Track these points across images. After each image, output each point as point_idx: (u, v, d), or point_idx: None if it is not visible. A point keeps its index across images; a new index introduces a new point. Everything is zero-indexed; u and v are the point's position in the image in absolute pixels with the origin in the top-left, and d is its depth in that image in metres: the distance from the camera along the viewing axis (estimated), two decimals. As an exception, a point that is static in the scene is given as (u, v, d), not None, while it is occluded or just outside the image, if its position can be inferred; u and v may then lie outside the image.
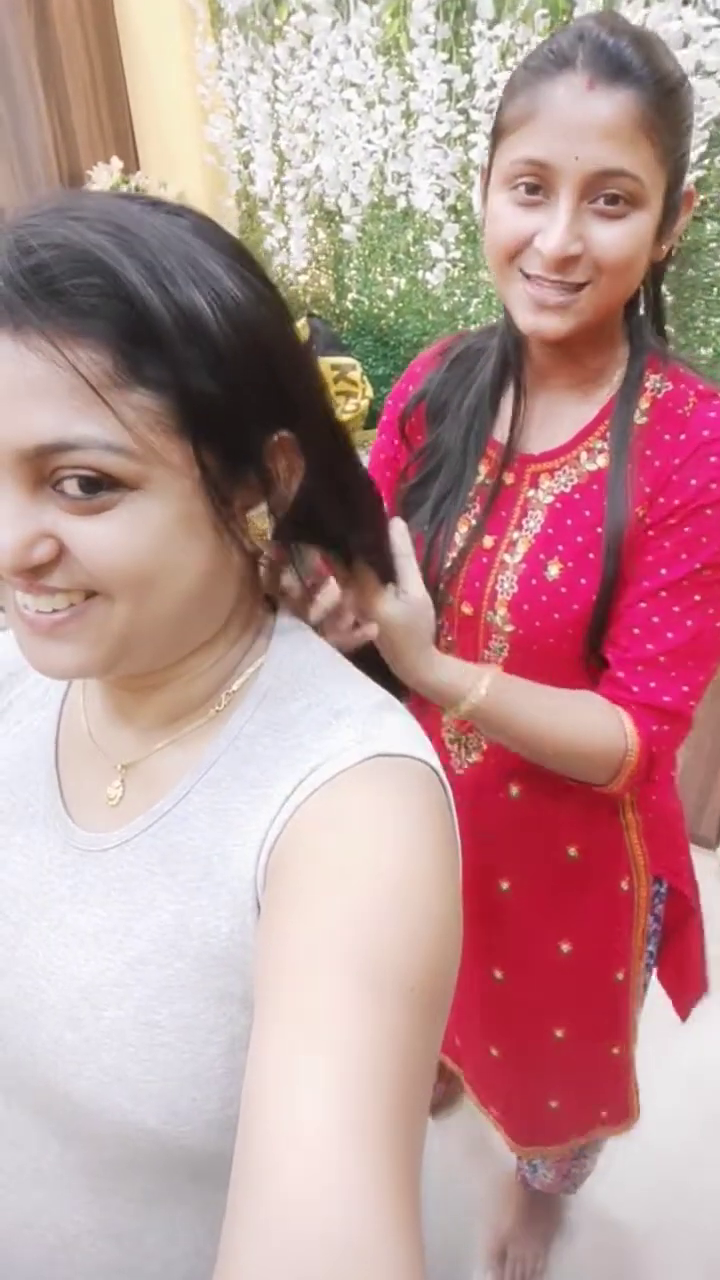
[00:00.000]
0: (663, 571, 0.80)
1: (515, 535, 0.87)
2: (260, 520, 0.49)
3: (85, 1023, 0.50)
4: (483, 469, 0.91)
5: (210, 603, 0.50)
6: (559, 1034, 1.12)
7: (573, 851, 0.99)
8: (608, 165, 0.70)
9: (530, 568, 0.85)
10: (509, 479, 0.89)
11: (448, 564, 0.90)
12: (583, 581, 0.83)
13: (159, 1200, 0.53)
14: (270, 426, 0.47)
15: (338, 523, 0.57)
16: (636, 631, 0.81)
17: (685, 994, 1.13)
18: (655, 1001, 1.15)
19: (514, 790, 0.97)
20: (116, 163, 2.27)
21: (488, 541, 0.89)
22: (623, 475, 0.81)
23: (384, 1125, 0.36)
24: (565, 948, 1.05)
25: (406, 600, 0.72)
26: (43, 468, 0.42)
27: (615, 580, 0.81)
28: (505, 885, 1.03)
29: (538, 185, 0.73)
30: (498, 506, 0.89)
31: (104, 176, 2.25)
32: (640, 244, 0.74)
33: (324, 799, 0.47)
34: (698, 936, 1.10)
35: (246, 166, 2.27)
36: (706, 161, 1.50)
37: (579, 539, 0.84)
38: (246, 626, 0.55)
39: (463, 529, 0.90)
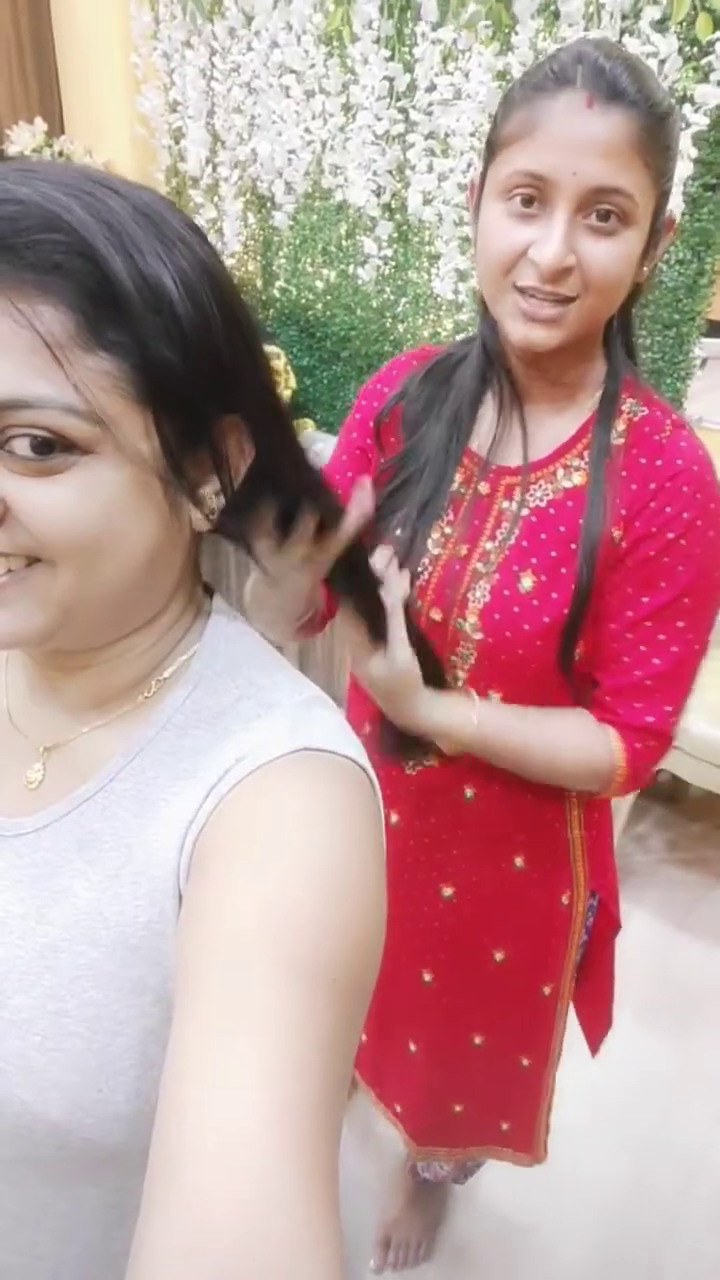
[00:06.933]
0: (645, 600, 0.84)
1: (488, 545, 0.89)
2: (210, 499, 0.49)
3: None
4: (458, 478, 0.92)
5: (154, 580, 0.49)
6: (477, 1040, 1.14)
7: (519, 862, 1.01)
8: (604, 182, 0.72)
9: (503, 578, 0.87)
10: (484, 489, 0.90)
11: (419, 569, 0.91)
12: (554, 595, 0.85)
13: (54, 1202, 0.52)
14: (224, 406, 0.47)
15: (280, 504, 0.58)
16: (626, 660, 0.85)
17: (597, 1026, 1.16)
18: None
19: (469, 792, 0.99)
20: (40, 124, 2.17)
21: (461, 550, 0.90)
22: (601, 493, 0.84)
23: (305, 1114, 0.36)
24: (499, 956, 1.07)
25: (392, 663, 0.81)
26: None
27: (588, 593, 0.84)
28: (448, 891, 1.05)
29: (533, 198, 0.75)
30: (472, 516, 0.90)
31: (25, 137, 2.15)
32: (628, 262, 0.76)
33: (249, 789, 0.47)
34: (611, 964, 1.13)
35: (178, 142, 2.20)
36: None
37: (552, 553, 0.86)
38: (184, 611, 0.55)
39: (435, 535, 0.91)
